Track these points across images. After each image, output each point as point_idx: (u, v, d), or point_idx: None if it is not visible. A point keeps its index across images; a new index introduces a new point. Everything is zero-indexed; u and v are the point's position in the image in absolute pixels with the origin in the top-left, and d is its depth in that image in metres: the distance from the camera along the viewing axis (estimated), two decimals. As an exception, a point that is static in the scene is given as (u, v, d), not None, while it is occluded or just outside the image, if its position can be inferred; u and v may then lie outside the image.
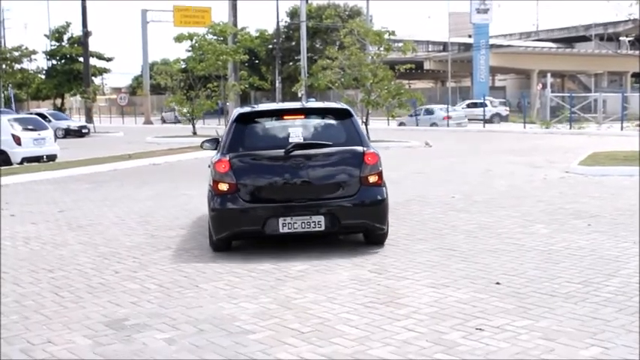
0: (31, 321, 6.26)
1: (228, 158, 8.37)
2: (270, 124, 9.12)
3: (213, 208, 8.37)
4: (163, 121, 68.50)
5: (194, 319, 6.15)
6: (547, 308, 6.20)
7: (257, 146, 8.62)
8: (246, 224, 8.33)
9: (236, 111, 9.31)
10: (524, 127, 41.71)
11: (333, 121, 9.03)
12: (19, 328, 6.08)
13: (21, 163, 22.73)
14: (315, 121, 9.06)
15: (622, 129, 36.98)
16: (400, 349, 5.30)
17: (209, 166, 8.97)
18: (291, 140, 8.47)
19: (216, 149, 10.26)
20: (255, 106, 10.21)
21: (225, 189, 8.30)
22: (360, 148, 8.50)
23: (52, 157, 23.87)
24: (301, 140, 8.50)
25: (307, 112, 9.30)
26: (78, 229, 10.81)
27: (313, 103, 11.65)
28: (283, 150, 8.31)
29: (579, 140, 29.73)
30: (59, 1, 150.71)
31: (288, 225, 8.17)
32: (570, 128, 39.30)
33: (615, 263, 7.74)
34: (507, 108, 55.78)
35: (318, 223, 8.19)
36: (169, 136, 37.03)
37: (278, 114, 9.35)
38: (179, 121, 51.16)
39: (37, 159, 23.36)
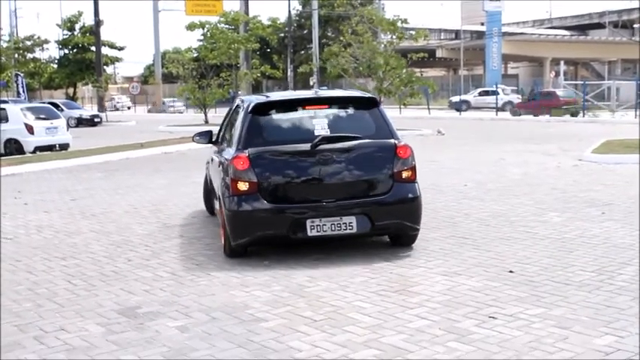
0: (45, 309, 6.29)
1: (247, 154, 7.51)
2: (291, 116, 8.13)
3: (232, 210, 7.54)
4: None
5: (206, 307, 6.16)
6: (561, 296, 6.17)
7: (278, 140, 7.75)
8: (270, 228, 7.51)
9: (249, 100, 8.39)
10: (537, 115, 41.50)
11: (358, 112, 8.21)
12: (33, 315, 6.10)
13: (34, 152, 22.90)
14: (340, 112, 8.19)
15: (636, 117, 36.77)
16: (413, 337, 5.29)
17: (222, 163, 8.28)
18: (316, 133, 7.62)
19: (209, 143, 9.80)
20: (269, 95, 9.35)
21: (246, 189, 7.46)
22: (391, 141, 7.80)
23: (64, 146, 23.99)
24: (328, 133, 7.64)
25: (330, 102, 8.35)
26: (91, 218, 10.84)
27: (336, 92, 10.99)
28: (309, 144, 7.49)
29: (593, 128, 29.57)
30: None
31: (317, 227, 7.38)
32: (583, 116, 39.13)
33: (629, 251, 7.69)
34: (519, 96, 55.52)
35: (349, 224, 7.44)
36: (181, 125, 37.08)
37: (298, 104, 8.30)
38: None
39: (50, 148, 23.48)
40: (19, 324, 5.88)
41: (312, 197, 7.54)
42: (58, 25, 71.09)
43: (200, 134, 9.92)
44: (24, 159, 20.45)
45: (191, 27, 41.37)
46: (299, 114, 8.11)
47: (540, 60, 72.67)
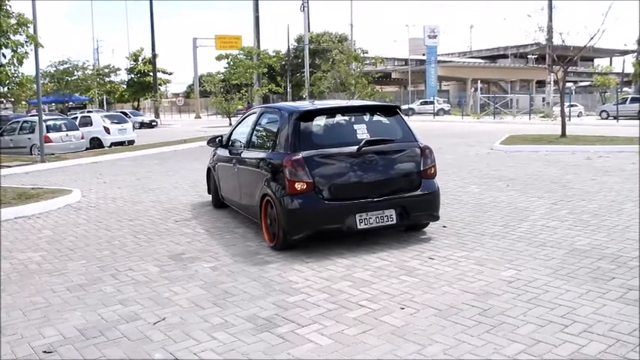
0: (118, 255, 6.24)
1: (301, 156, 6.00)
2: (332, 121, 6.62)
3: (289, 207, 5.98)
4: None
5: (230, 253, 6.11)
6: (479, 243, 6.16)
7: (324, 143, 6.23)
8: (326, 223, 6.01)
9: (288, 109, 6.60)
10: (462, 118, 41.51)
11: (386, 118, 6.78)
12: (110, 259, 6.06)
13: (110, 146, 22.81)
14: (372, 119, 6.75)
15: (529, 119, 36.91)
16: (376, 272, 5.27)
17: (266, 165, 6.51)
18: (359, 137, 6.24)
19: (220, 146, 8.39)
20: (287, 103, 7.49)
21: (302, 188, 5.95)
22: (418, 143, 6.55)
23: (131, 142, 23.92)
24: (369, 137, 6.26)
25: (362, 110, 6.91)
26: (149, 192, 10.73)
27: (364, 102, 9.43)
28: (355, 147, 6.11)
29: (500, 127, 29.54)
30: (136, 34, 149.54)
31: (365, 221, 6.05)
32: (494, 119, 39.14)
33: (525, 212, 7.68)
34: (449, 105, 55.44)
35: (390, 217, 6.15)
36: (213, 127, 36.81)
37: (336, 112, 6.75)
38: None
39: (121, 143, 23.41)
40: (100, 266, 5.83)
41: (359, 194, 6.11)
42: (126, 57, 70.21)
43: (212, 140, 8.59)
44: (103, 151, 20.32)
45: (219, 58, 41.27)
46: (339, 120, 6.65)
47: (464, 80, 72.41)
